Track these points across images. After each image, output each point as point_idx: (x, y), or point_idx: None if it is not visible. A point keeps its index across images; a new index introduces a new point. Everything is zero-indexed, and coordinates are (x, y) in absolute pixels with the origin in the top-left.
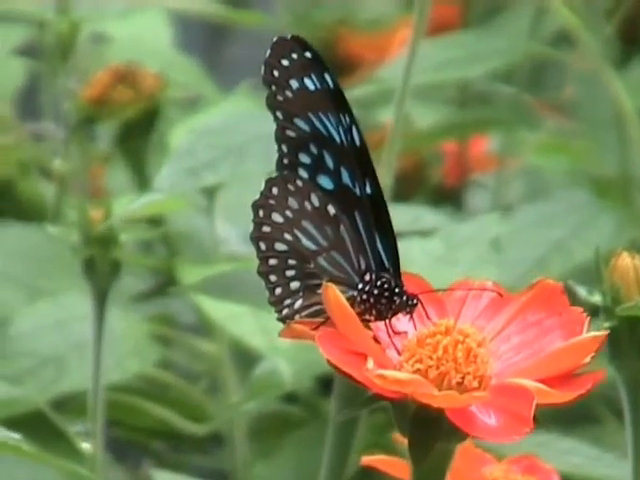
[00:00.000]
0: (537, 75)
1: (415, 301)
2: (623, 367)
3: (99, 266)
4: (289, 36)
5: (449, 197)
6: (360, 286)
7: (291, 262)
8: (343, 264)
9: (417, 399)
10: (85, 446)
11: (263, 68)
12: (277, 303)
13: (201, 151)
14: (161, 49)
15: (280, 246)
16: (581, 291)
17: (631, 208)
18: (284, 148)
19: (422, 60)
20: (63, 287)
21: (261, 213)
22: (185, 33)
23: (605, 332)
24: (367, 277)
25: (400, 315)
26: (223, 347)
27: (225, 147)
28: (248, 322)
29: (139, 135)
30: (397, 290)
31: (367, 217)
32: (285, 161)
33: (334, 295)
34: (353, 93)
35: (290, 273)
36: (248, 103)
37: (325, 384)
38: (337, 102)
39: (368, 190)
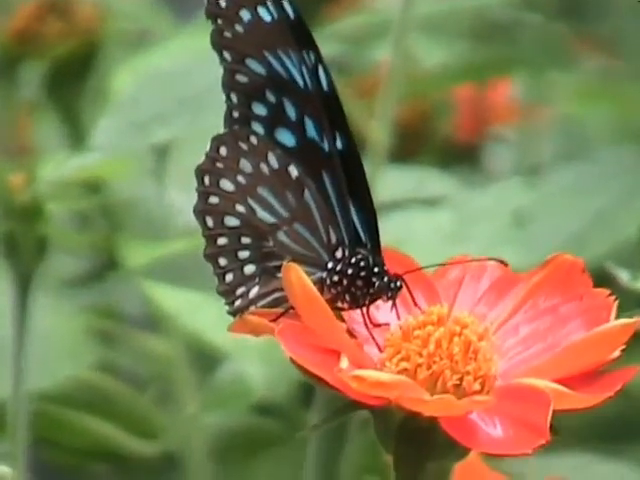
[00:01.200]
0: (573, 2)
1: (399, 283)
2: None
3: (22, 244)
4: None
5: (462, 156)
6: (330, 265)
7: (245, 240)
8: (309, 238)
9: (404, 406)
10: (4, 469)
11: None
12: (228, 293)
13: (150, 101)
14: None
15: (231, 221)
16: (622, 275)
17: None
18: (234, 98)
19: None
20: None
21: (207, 180)
22: None
23: (638, 319)
24: (339, 253)
25: (381, 301)
26: (177, 345)
27: (179, 96)
28: (209, 314)
29: (72, 79)
30: (376, 270)
31: (338, 179)
32: (235, 114)
33: (297, 277)
34: (342, 25)
35: (243, 254)
36: (207, 40)
37: (306, 391)
38: (299, 36)
39: (339, 145)
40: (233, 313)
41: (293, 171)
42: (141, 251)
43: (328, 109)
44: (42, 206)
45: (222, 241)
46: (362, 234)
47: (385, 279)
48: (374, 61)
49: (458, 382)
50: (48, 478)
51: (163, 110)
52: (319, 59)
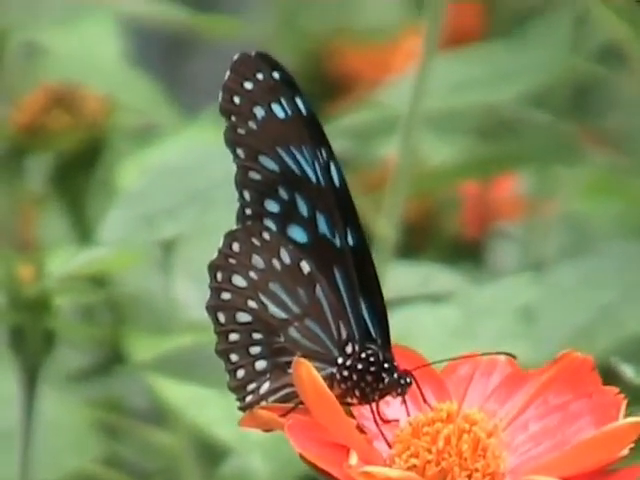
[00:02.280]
0: (580, 99)
1: (409, 379)
2: None
3: (29, 337)
4: (253, 52)
5: (467, 252)
6: (340, 360)
7: (256, 336)
8: (319, 334)
9: None
10: None
11: (221, 94)
12: (239, 389)
13: (158, 195)
14: (108, 64)
15: (243, 317)
16: (627, 370)
17: None
18: (246, 195)
19: (435, 79)
20: None
21: (219, 276)
22: (138, 45)
23: None
24: (349, 349)
25: (390, 397)
26: (182, 439)
27: (188, 191)
28: (214, 408)
29: (79, 172)
30: (386, 365)
31: (349, 274)
32: (248, 211)
33: (308, 372)
34: (348, 120)
35: (255, 350)
36: (216, 134)
37: None
38: (312, 132)
39: (350, 241)
40: (244, 408)
41: (305, 267)
42: (147, 345)
43: (340, 205)
44: (50, 300)
45: (234, 337)
46: (372, 330)
47: (395, 375)
48: (380, 156)
49: (467, 479)
50: None
51: (171, 204)
52: (330, 155)
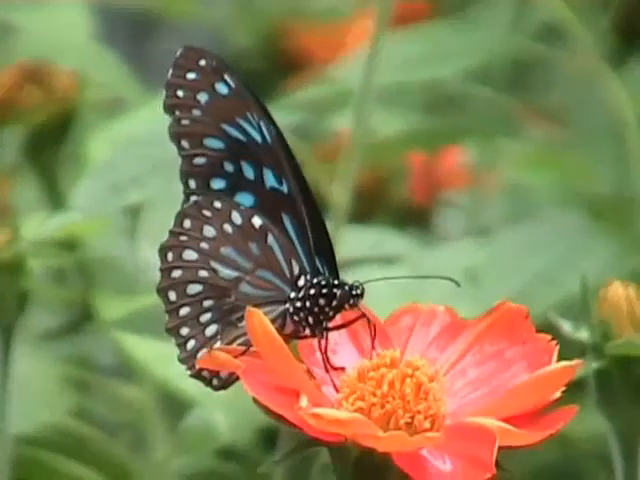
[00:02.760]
0: (520, 76)
1: (360, 290)
2: (614, 415)
3: (4, 297)
4: (186, 47)
5: (416, 218)
6: (293, 295)
7: (206, 304)
8: (272, 279)
9: (359, 442)
10: None
11: (165, 92)
12: (189, 358)
13: (125, 164)
14: (77, 43)
15: (193, 288)
16: (565, 325)
17: (630, 232)
18: (192, 183)
19: (385, 57)
20: None
21: (170, 256)
22: (106, 24)
23: (579, 362)
24: (301, 282)
25: (337, 346)
26: (148, 393)
27: (153, 161)
28: (177, 364)
29: (51, 144)
30: (336, 282)
31: (298, 216)
32: (194, 198)
33: (259, 321)
34: (304, 95)
35: (205, 317)
36: None
37: (269, 437)
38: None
39: (293, 186)
40: (194, 375)
41: (257, 221)
42: (114, 305)
43: (286, 155)
44: (23, 263)
45: (184, 311)
46: (320, 266)
47: (346, 287)
48: (334, 129)
49: (410, 420)
50: None
51: (137, 174)
52: (264, 115)
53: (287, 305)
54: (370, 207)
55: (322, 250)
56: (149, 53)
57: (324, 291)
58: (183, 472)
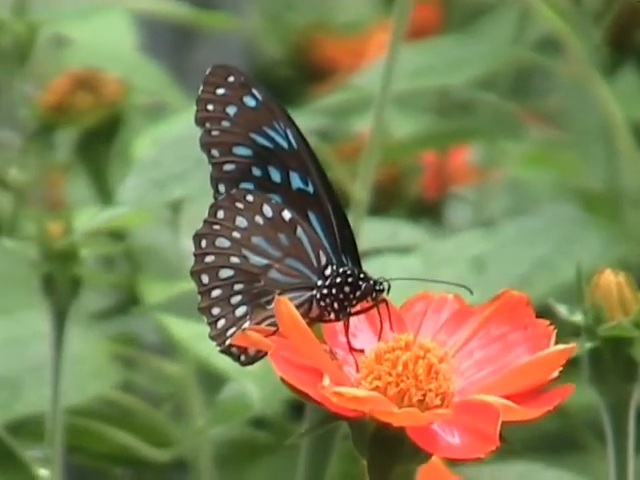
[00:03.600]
0: (521, 83)
1: (383, 286)
2: (606, 390)
3: (58, 283)
4: (216, 65)
5: (428, 211)
6: (320, 283)
7: (237, 287)
8: (300, 267)
9: (376, 417)
10: (43, 473)
11: (196, 107)
12: (219, 336)
13: (168, 162)
14: (124, 53)
15: (225, 273)
16: (562, 310)
17: (620, 223)
18: (221, 188)
19: (400, 66)
20: (20, 304)
21: (203, 243)
22: (150, 36)
23: (574, 345)
24: (328, 271)
25: (357, 330)
26: (188, 369)
27: (193, 158)
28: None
29: (100, 144)
30: (362, 275)
31: (324, 213)
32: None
33: (286, 308)
34: (328, 100)
35: (236, 299)
36: None
37: (296, 408)
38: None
39: (319, 187)
40: (225, 351)
41: (287, 214)
42: (157, 289)
43: (311, 159)
44: (76, 252)
45: (216, 293)
46: (345, 260)
47: (371, 281)
48: (355, 131)
49: (422, 398)
50: (79, 479)
51: (179, 171)
52: (289, 124)
53: (314, 292)
54: (387, 201)
55: (346, 245)
56: (189, 62)
57: (350, 280)
58: (218, 439)
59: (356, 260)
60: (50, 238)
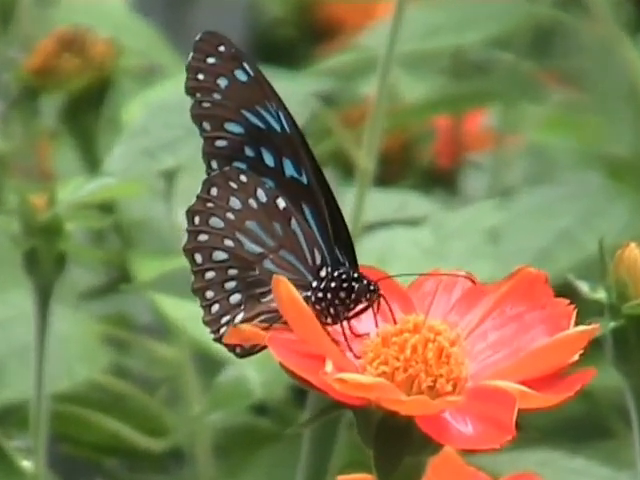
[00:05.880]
0: (541, 42)
1: (376, 287)
2: (631, 372)
3: (42, 259)
4: (212, 31)
5: (441, 181)
6: (315, 284)
7: (231, 272)
8: (295, 263)
9: (382, 405)
10: (26, 464)
11: (186, 75)
12: (213, 322)
13: (159, 130)
14: (114, 12)
15: (219, 255)
16: (583, 286)
17: None
18: (214, 164)
19: (410, 25)
20: (3, 283)
21: (197, 220)
22: None
23: (596, 326)
24: (323, 273)
25: (361, 306)
26: (184, 351)
27: (186, 126)
28: None
29: (88, 110)
30: (356, 276)
31: (318, 207)
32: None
33: (286, 289)
34: (332, 62)
35: (230, 285)
36: None
37: (299, 394)
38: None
39: (312, 178)
40: (218, 340)
41: (281, 203)
42: (150, 266)
43: (304, 147)
44: (61, 225)
45: (210, 275)
46: (340, 256)
47: (364, 282)
48: (361, 94)
49: (432, 384)
50: (65, 471)
51: (171, 139)
52: (280, 106)
53: (309, 293)
54: (396, 170)
55: (341, 242)
56: (185, 20)
57: (344, 285)
58: (217, 427)
59: (352, 259)
60: (34, 211)
